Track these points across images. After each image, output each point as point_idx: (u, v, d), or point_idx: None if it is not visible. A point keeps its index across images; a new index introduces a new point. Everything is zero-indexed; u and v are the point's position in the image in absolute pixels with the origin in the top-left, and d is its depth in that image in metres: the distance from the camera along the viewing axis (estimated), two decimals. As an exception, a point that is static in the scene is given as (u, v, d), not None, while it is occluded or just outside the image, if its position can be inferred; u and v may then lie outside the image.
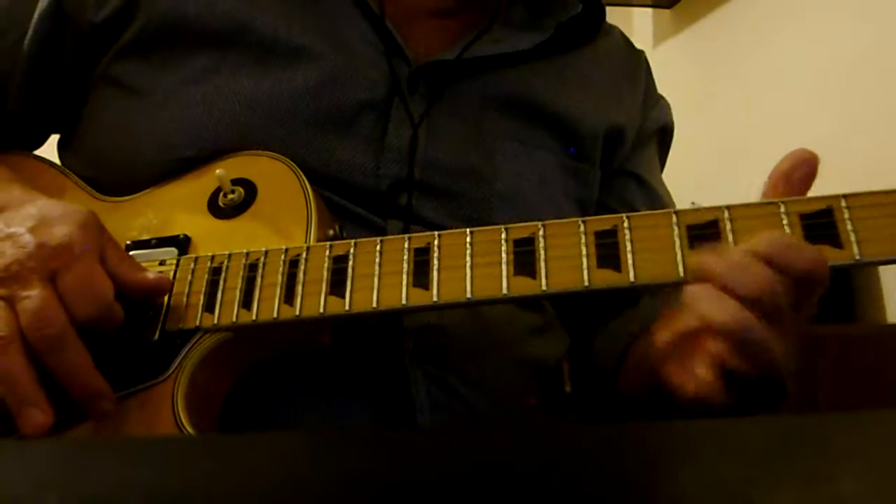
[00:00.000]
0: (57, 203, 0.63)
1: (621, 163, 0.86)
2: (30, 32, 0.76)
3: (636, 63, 0.92)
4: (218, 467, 0.32)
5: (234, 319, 0.61)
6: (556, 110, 0.81)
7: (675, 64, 2.44)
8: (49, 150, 0.81)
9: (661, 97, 0.94)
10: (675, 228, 0.57)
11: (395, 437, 0.43)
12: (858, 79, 1.73)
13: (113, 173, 0.73)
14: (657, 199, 0.88)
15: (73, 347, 0.56)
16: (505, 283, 0.58)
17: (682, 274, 0.55)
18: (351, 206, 0.71)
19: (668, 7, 2.48)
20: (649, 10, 2.52)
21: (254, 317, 0.60)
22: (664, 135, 0.93)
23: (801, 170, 0.56)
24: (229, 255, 0.64)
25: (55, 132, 0.83)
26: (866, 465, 0.30)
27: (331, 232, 0.66)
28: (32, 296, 0.55)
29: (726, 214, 0.57)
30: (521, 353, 0.78)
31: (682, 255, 0.56)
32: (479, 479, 0.29)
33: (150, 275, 0.63)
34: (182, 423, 0.57)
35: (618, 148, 0.85)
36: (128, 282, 0.61)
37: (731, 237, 0.56)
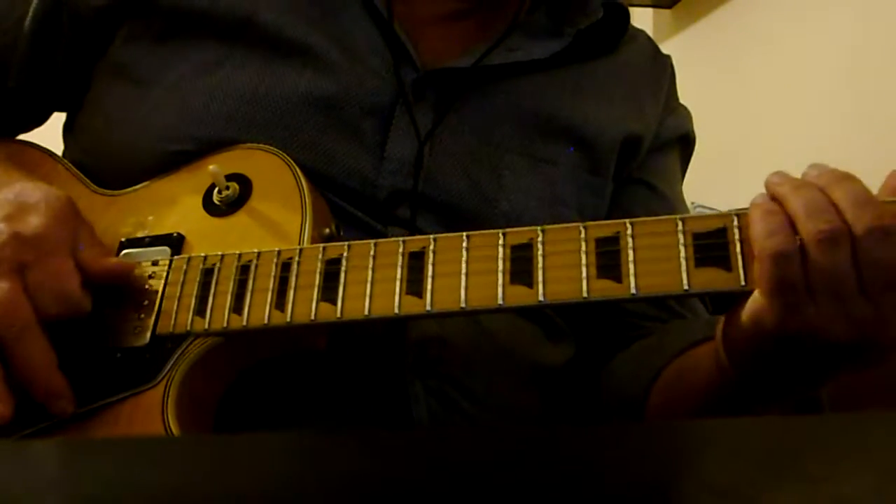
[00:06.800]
0: (36, 187, 0.63)
1: (632, 171, 0.82)
2: (30, 12, 0.76)
3: (660, 71, 0.88)
4: (217, 467, 0.32)
5: (224, 324, 0.60)
6: (571, 122, 0.78)
7: (676, 64, 2.43)
8: (54, 136, 0.82)
9: (682, 105, 0.90)
10: (681, 237, 0.54)
11: (392, 436, 0.43)
12: (859, 79, 1.73)
13: (111, 163, 0.73)
14: (669, 207, 0.83)
15: (35, 343, 0.56)
16: (500, 291, 0.56)
17: (685, 287, 0.53)
18: (351, 210, 0.70)
19: (668, 7, 2.47)
20: (649, 10, 2.51)
21: (244, 322, 0.59)
22: (684, 144, 0.89)
23: None
24: (221, 257, 0.63)
25: (56, 111, 0.83)
26: (866, 465, 0.30)
27: (327, 231, 0.65)
28: (0, 288, 0.55)
29: (735, 222, 0.54)
30: (526, 364, 0.75)
31: (687, 266, 0.53)
32: (477, 480, 0.29)
33: (112, 261, 0.64)
34: (171, 432, 0.56)
35: (633, 158, 0.82)
36: (92, 269, 0.61)
37: (738, 246, 0.53)
